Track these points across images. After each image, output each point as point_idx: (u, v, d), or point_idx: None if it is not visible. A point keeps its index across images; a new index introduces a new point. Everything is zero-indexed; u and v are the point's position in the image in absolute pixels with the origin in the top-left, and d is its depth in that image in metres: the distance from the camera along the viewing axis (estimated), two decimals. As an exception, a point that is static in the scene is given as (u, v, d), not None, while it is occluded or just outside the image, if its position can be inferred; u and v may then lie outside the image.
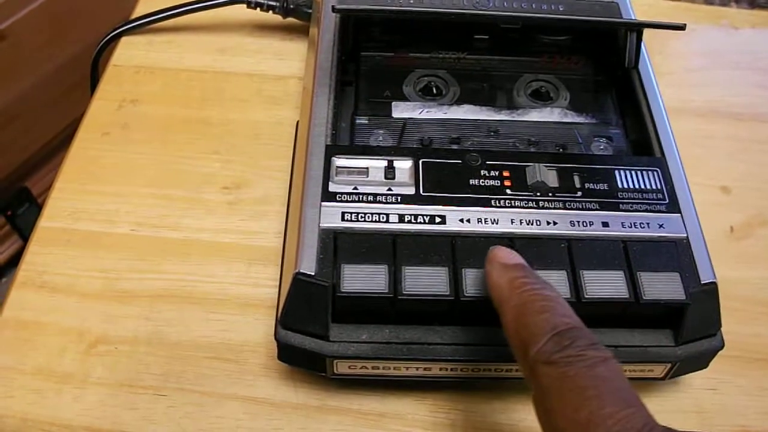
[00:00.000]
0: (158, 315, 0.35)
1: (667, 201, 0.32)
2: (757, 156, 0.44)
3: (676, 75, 0.48)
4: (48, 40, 0.85)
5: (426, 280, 0.28)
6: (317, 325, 0.29)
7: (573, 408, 0.22)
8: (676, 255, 0.30)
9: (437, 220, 0.30)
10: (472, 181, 0.31)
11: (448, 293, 0.28)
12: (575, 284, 0.29)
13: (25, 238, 0.92)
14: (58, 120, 0.90)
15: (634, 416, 0.21)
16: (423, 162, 0.32)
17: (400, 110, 0.37)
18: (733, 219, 0.41)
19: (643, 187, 0.32)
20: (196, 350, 0.34)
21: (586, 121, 0.37)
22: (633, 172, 0.33)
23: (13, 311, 0.35)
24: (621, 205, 0.31)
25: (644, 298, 0.29)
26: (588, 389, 0.22)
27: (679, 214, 0.31)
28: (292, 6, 0.46)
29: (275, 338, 0.30)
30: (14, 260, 0.93)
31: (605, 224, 0.31)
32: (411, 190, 0.31)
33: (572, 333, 0.23)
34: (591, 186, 0.32)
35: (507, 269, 0.27)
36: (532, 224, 0.30)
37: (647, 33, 0.37)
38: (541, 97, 0.38)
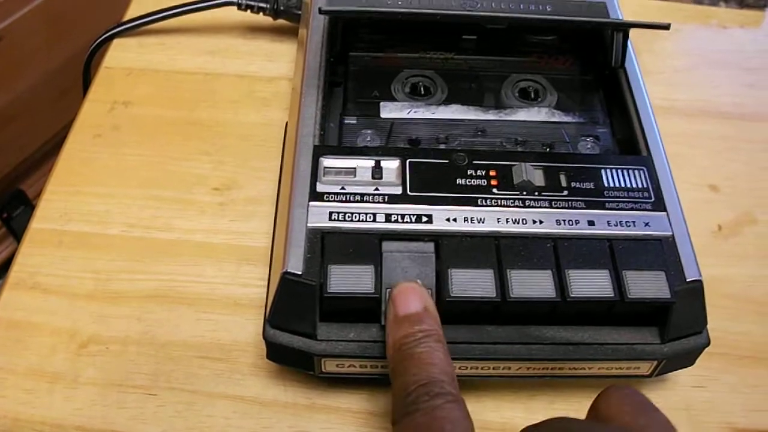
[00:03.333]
0: (149, 315, 0.35)
1: (653, 199, 0.32)
2: (745, 155, 0.44)
3: (664, 74, 0.48)
4: (45, 42, 0.85)
5: (411, 280, 0.28)
6: (305, 324, 0.29)
7: None
8: (662, 253, 0.30)
9: (424, 219, 0.30)
10: (458, 181, 0.32)
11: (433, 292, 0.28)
12: (561, 283, 0.29)
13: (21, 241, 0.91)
14: (55, 122, 0.89)
15: None
16: (410, 162, 0.32)
17: (389, 110, 0.37)
18: (721, 217, 0.41)
19: (629, 185, 0.32)
20: (186, 350, 0.34)
21: (573, 121, 0.37)
22: (619, 171, 0.33)
23: (4, 312, 0.35)
24: (607, 204, 0.32)
25: (629, 296, 0.29)
26: (424, 429, 0.23)
27: (664, 213, 0.32)
28: (282, 8, 0.46)
29: (264, 337, 0.30)
30: (9, 263, 0.93)
31: (591, 223, 0.31)
32: (398, 190, 0.31)
33: (424, 388, 0.25)
34: (577, 185, 0.32)
35: (397, 325, 0.27)
36: (518, 223, 0.31)
37: (636, 32, 0.37)
38: (529, 97, 0.38)
